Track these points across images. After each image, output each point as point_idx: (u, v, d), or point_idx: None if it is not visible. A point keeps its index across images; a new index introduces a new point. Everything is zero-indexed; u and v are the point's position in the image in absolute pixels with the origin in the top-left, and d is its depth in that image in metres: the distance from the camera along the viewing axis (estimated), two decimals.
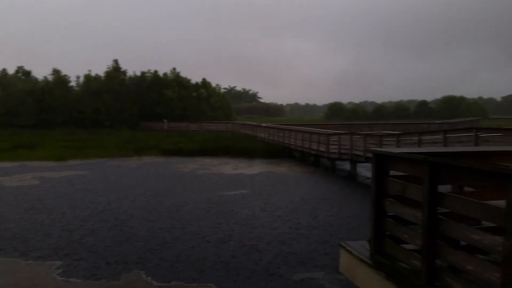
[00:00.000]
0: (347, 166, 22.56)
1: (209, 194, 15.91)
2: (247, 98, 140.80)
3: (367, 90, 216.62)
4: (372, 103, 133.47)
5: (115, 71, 60.04)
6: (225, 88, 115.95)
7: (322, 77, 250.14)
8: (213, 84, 68.84)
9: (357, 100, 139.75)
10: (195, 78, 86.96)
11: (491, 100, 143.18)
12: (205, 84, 65.89)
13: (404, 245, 3.71)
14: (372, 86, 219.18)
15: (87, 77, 59.06)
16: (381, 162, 4.03)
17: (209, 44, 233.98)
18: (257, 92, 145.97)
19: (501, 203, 2.56)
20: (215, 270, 8.25)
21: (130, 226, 11.42)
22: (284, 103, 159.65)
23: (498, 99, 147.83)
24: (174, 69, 64.18)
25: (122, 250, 9.46)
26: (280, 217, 12.51)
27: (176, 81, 62.13)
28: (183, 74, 64.56)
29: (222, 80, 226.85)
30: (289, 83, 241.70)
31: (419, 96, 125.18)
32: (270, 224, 11.74)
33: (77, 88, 59.63)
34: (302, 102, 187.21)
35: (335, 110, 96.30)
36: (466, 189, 3.98)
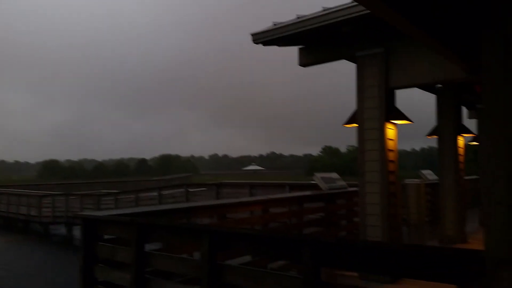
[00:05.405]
0: (63, 230, 20.56)
1: None
2: None
3: (86, 147, 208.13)
4: (93, 160, 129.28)
5: None
6: None
7: (35, 133, 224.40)
8: None
9: (75, 157, 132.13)
10: None
11: (201, 158, 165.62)
12: None
13: None
14: (91, 144, 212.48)
15: None
16: (91, 226, 3.86)
17: None
18: None
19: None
20: None
21: None
22: None
23: (206, 157, 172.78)
24: None
25: None
26: None
27: None
28: None
29: None
30: None
31: (140, 155, 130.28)
32: None
33: None
34: (10, 159, 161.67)
35: (51, 168, 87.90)
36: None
